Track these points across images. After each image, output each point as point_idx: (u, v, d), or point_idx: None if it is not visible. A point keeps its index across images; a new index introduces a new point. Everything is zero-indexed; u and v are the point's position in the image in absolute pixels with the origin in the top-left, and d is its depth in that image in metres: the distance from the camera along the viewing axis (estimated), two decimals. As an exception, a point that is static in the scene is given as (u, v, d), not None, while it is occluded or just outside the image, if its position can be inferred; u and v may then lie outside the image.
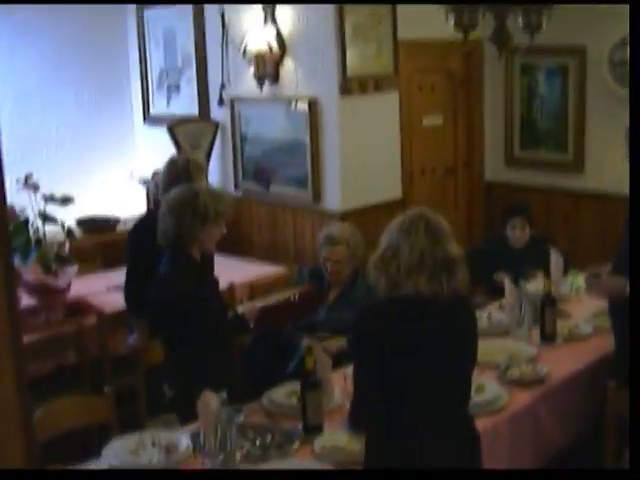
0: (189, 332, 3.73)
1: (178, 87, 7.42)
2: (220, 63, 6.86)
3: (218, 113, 7.10)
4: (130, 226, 5.04)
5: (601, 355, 4.19)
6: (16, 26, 6.88)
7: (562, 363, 4.08)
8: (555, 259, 4.90)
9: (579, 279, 4.97)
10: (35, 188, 4.85)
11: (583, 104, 6.77)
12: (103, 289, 5.48)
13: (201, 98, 7.22)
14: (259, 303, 4.37)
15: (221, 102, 6.98)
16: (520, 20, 4.51)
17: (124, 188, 7.41)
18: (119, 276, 4.99)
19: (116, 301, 4.96)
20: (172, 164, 4.61)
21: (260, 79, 6.47)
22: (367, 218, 6.26)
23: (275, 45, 6.40)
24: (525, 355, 4.09)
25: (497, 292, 4.88)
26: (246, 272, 5.88)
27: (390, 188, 6.63)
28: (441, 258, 2.76)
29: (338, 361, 3.77)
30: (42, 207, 4.83)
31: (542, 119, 7.08)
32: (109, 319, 4.84)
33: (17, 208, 4.72)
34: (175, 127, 6.98)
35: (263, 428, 3.40)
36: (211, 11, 6.92)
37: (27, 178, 4.85)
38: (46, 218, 4.84)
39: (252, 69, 6.50)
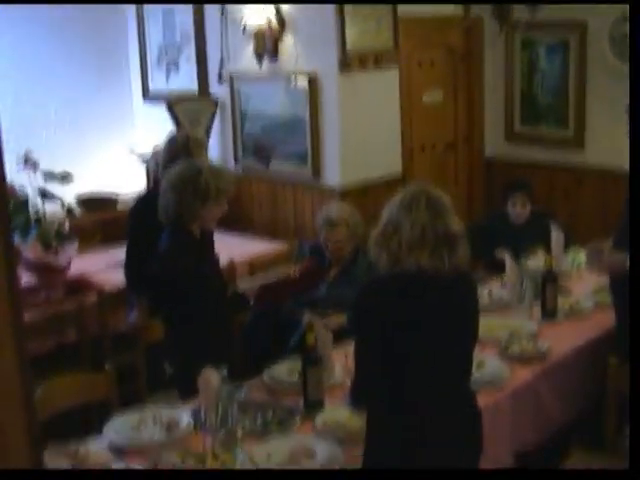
0: (189, 309, 3.73)
1: (177, 64, 7.37)
2: (219, 39, 6.82)
3: (217, 90, 7.06)
4: (130, 203, 5.03)
5: (602, 331, 4.20)
6: (15, 8, 6.81)
7: (563, 339, 4.09)
8: (556, 235, 4.89)
9: (580, 255, 4.97)
10: (34, 165, 4.83)
11: (584, 79, 6.75)
12: (103, 267, 5.48)
13: (200, 75, 7.18)
14: (259, 280, 4.36)
15: (220, 79, 6.94)
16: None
17: (124, 165, 7.39)
18: (119, 253, 4.97)
19: (116, 278, 4.95)
20: (171, 141, 4.59)
21: (259, 55, 6.44)
22: (367, 194, 6.26)
23: (274, 21, 6.36)
24: (526, 331, 4.09)
25: (497, 268, 4.87)
26: (246, 249, 5.88)
27: (390, 164, 6.61)
28: (442, 233, 2.74)
29: (339, 337, 3.77)
30: (41, 184, 4.82)
31: (542, 94, 7.05)
32: (109, 297, 4.83)
33: (17, 187, 4.72)
34: (174, 104, 6.95)
35: (264, 404, 3.40)
36: (210, -13, 6.87)
37: (26, 155, 4.84)
38: (45, 195, 4.83)
39: (251, 45, 6.47)
